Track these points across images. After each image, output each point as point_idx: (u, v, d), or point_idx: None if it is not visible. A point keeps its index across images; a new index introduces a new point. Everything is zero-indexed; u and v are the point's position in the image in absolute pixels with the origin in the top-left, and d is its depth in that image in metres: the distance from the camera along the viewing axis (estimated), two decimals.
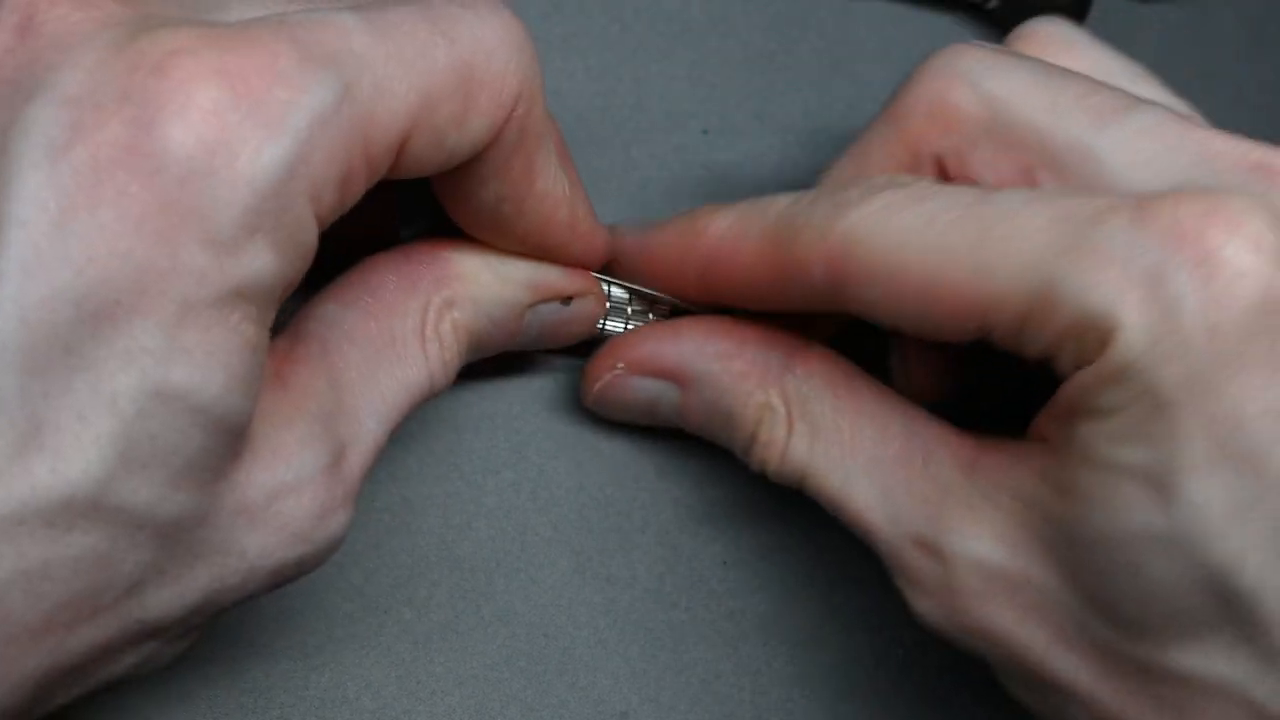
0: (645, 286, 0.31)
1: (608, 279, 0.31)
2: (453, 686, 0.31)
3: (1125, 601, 0.24)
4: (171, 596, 0.21)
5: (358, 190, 0.22)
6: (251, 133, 0.19)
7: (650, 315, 0.31)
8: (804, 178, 0.36)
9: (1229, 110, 0.40)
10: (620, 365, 0.31)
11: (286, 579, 0.24)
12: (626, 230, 0.31)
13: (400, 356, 0.26)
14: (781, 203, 0.27)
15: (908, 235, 0.25)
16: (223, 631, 0.30)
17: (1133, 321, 0.22)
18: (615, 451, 0.33)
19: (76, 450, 0.19)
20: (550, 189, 0.27)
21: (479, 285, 0.28)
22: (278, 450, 0.23)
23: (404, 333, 0.26)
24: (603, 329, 0.31)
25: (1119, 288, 0.22)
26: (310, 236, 0.21)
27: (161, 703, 0.30)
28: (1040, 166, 0.26)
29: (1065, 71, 0.27)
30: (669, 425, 0.31)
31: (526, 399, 0.33)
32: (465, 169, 0.25)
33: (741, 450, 0.30)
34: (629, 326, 0.31)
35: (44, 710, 0.21)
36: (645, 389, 0.31)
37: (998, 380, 0.31)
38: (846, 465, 0.28)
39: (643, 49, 0.36)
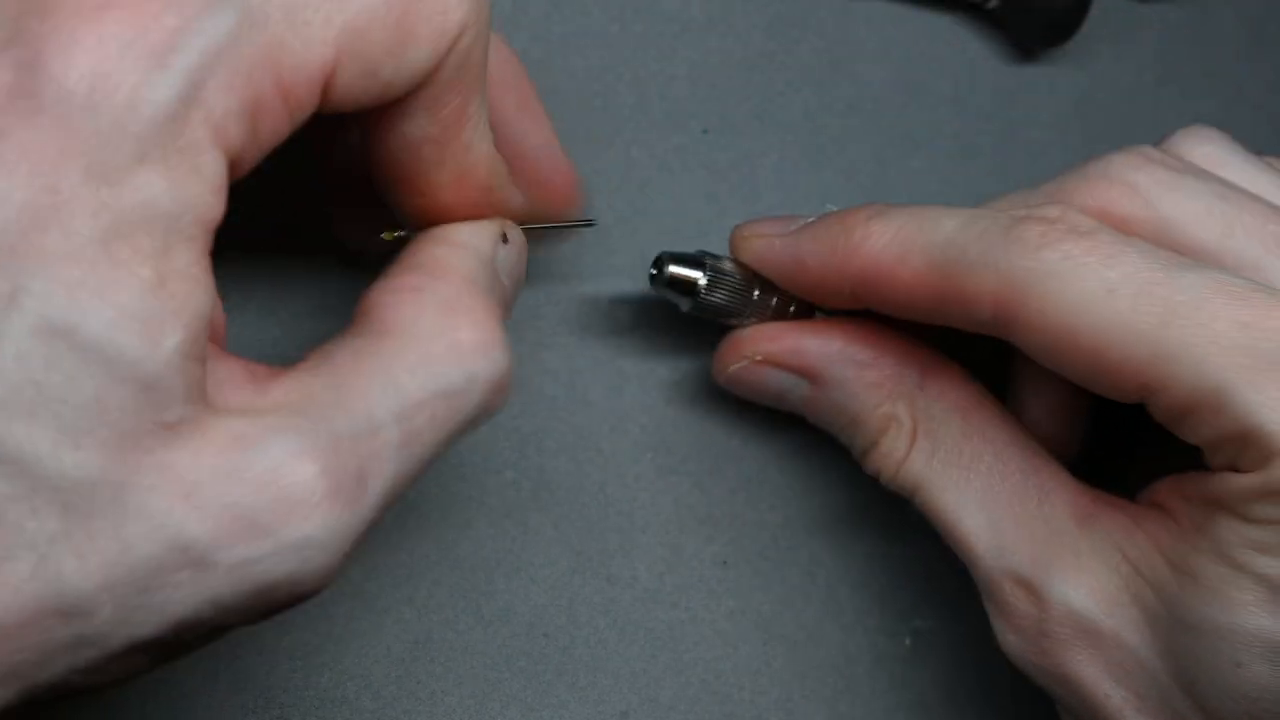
0: (791, 288, 0.31)
1: (721, 257, 0.31)
2: (452, 686, 0.31)
3: (1216, 690, 0.25)
4: (93, 571, 0.19)
5: (278, 124, 0.21)
6: (136, 63, 0.19)
7: (756, 292, 0.31)
8: (804, 177, 0.36)
9: (1229, 110, 0.40)
10: (757, 356, 0.31)
11: (258, 587, 0.21)
12: (768, 229, 0.31)
13: (429, 355, 0.23)
14: (948, 225, 0.27)
15: (1087, 299, 0.25)
16: None
17: None
18: (615, 451, 0.33)
19: None
20: (475, 142, 0.25)
21: (468, 256, 0.25)
22: (239, 438, 0.20)
23: (425, 332, 0.23)
24: (721, 301, 0.31)
25: None
26: (214, 165, 0.20)
27: (162, 702, 0.30)
28: None
29: (1242, 195, 0.27)
30: (791, 411, 0.32)
31: (527, 399, 0.33)
32: (404, 103, 0.24)
33: (859, 453, 0.31)
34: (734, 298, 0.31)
35: None
36: (778, 379, 0.31)
37: (1114, 438, 0.31)
38: (960, 488, 0.29)
39: (642, 49, 0.36)
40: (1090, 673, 0.27)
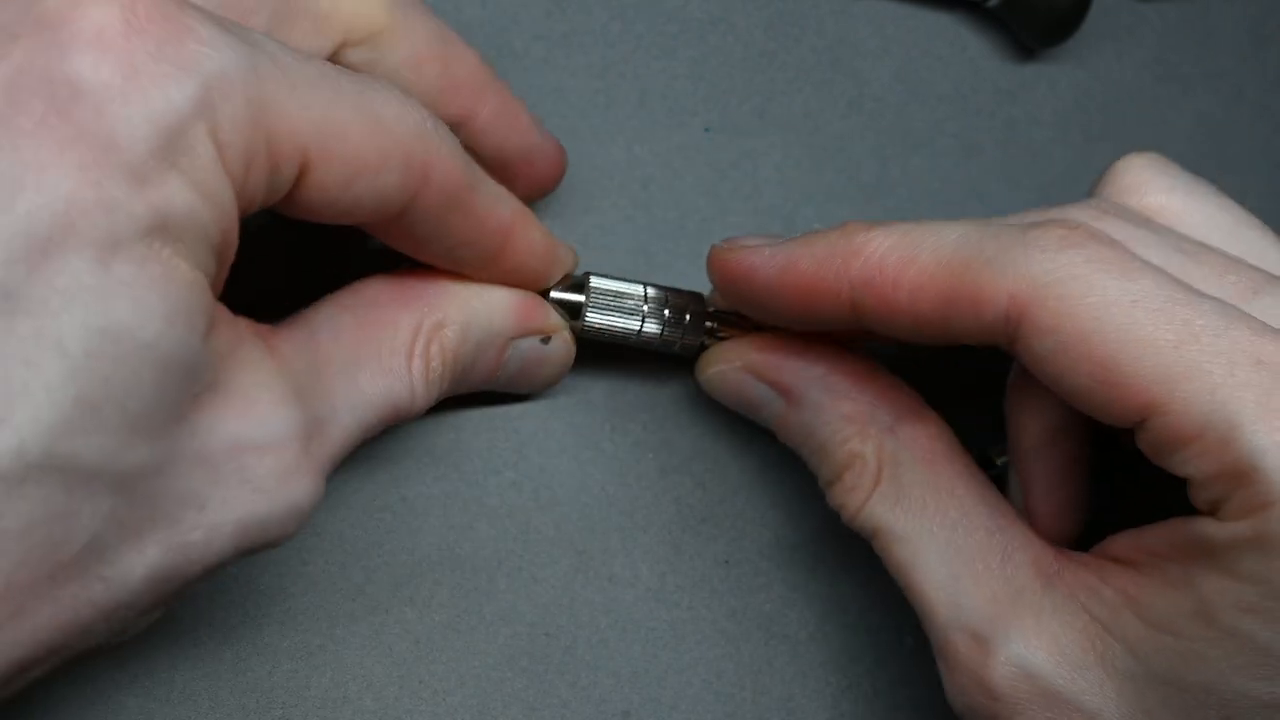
0: (784, 306, 0.29)
1: (641, 280, 0.31)
2: (454, 686, 0.31)
3: None
4: (133, 551, 0.20)
5: (259, 180, 0.22)
6: (161, 68, 0.20)
7: (666, 313, 0.31)
8: (805, 176, 0.36)
9: (1229, 110, 0.40)
10: (739, 363, 0.31)
11: (252, 543, 0.23)
12: (760, 244, 0.29)
13: (385, 368, 0.26)
14: (956, 230, 0.26)
15: (1108, 305, 0.24)
16: (225, 631, 0.30)
17: None
18: (617, 451, 0.33)
19: (26, 399, 0.18)
20: (499, 219, 0.27)
21: (470, 310, 0.28)
22: (251, 404, 0.22)
23: (392, 346, 0.27)
24: (639, 332, 0.31)
25: None
26: (224, 189, 0.21)
27: (164, 702, 0.30)
28: None
29: (1196, 246, 0.26)
30: (763, 425, 0.32)
31: (527, 398, 0.33)
32: (409, 229, 0.26)
33: (823, 484, 0.30)
34: (643, 324, 0.31)
35: (22, 684, 0.21)
36: (755, 390, 0.31)
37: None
38: (922, 540, 0.28)
39: (644, 47, 0.36)
40: None
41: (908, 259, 0.26)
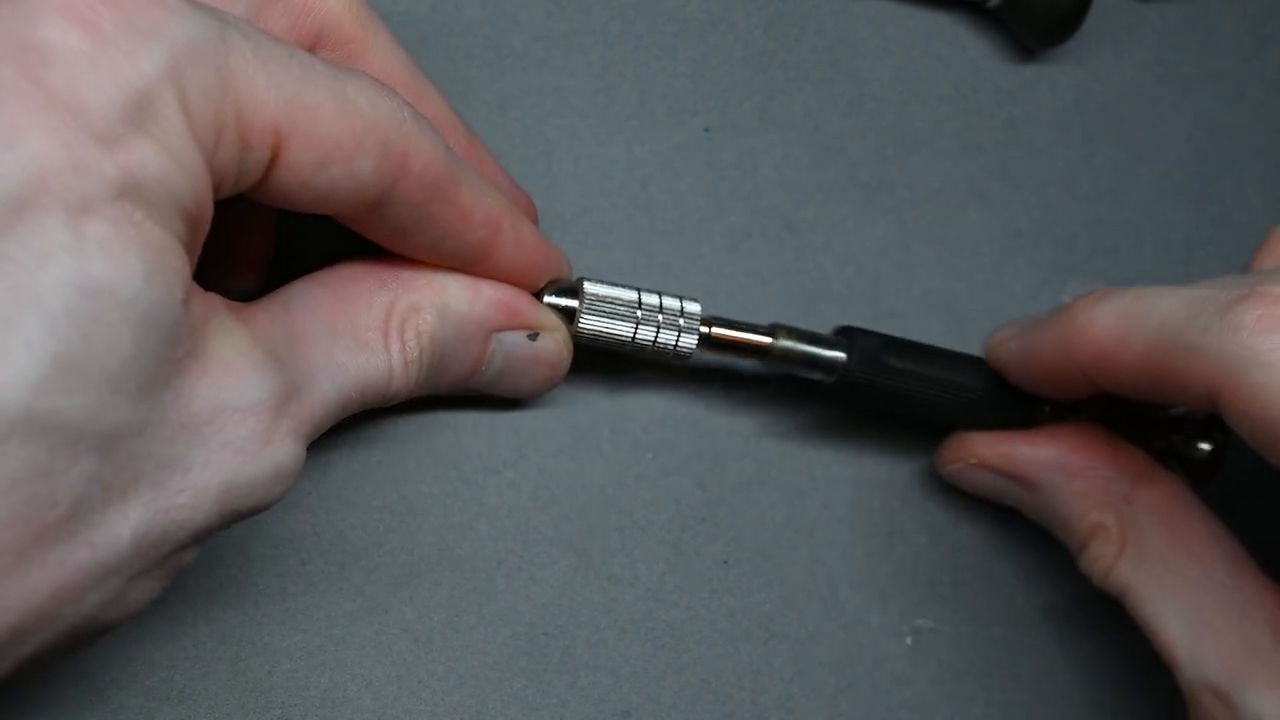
0: (1041, 387, 0.32)
1: (635, 287, 0.31)
2: (454, 686, 0.31)
3: None
4: (118, 514, 0.21)
5: (230, 153, 0.22)
6: (129, 35, 0.20)
7: (660, 318, 0.31)
8: (805, 176, 0.36)
9: (1229, 110, 0.40)
10: (974, 459, 0.33)
11: (237, 507, 0.23)
12: (1007, 333, 0.33)
13: (361, 342, 0.26)
14: (1165, 306, 0.27)
15: None
16: (224, 630, 0.30)
17: None
18: (616, 451, 0.33)
19: (5, 356, 0.18)
20: (486, 210, 0.27)
21: (448, 294, 0.28)
22: (229, 368, 0.23)
23: (367, 321, 0.27)
24: (633, 338, 0.31)
25: None
26: (194, 156, 0.21)
27: (164, 702, 0.30)
28: None
29: None
30: (1014, 507, 0.34)
31: (525, 403, 0.33)
32: (392, 221, 0.26)
33: (1072, 553, 0.32)
34: (638, 329, 0.31)
35: (16, 659, 0.21)
36: (995, 482, 0.33)
37: None
38: (1165, 598, 0.29)
39: (644, 47, 0.36)
40: None
41: (1121, 341, 0.28)
